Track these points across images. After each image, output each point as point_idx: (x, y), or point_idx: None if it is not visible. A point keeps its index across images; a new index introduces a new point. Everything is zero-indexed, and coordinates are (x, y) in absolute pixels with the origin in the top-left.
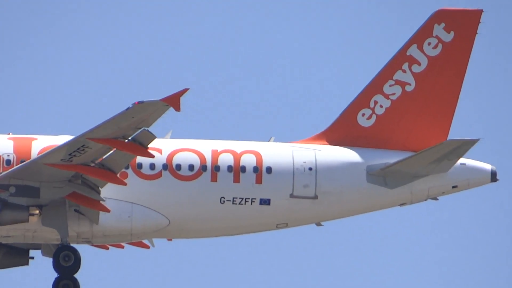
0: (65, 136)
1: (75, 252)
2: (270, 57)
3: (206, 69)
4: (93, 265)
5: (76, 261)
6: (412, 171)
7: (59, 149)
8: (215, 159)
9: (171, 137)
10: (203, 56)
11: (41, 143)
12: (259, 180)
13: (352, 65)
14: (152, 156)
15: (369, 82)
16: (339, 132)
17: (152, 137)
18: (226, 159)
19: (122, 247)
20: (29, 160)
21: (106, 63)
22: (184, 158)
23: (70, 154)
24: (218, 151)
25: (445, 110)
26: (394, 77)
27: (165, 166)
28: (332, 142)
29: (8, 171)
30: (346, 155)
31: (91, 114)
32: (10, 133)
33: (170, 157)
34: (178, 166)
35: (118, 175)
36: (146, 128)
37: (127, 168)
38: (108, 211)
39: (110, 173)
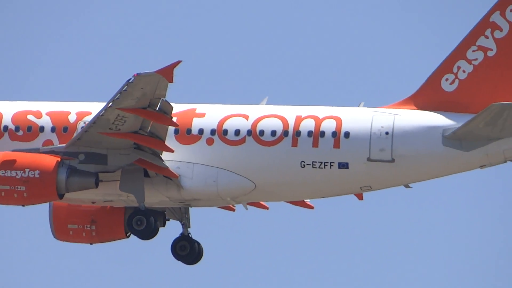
0: None
1: (148, 217)
2: (359, 25)
3: (300, 37)
4: (217, 226)
5: (148, 226)
6: (484, 134)
7: (98, 118)
8: (297, 124)
9: (267, 103)
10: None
11: None
12: (336, 145)
13: (441, 31)
14: (176, 125)
15: (453, 48)
16: (425, 97)
17: (170, 107)
18: (307, 125)
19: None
20: (81, 131)
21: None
22: (268, 124)
23: (113, 123)
24: (302, 116)
25: None
26: (477, 43)
27: (249, 132)
28: (419, 107)
29: (70, 140)
30: (424, 119)
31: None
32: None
33: (255, 123)
34: (261, 132)
35: (165, 142)
36: (163, 98)
37: (213, 134)
38: (175, 176)
39: (157, 141)
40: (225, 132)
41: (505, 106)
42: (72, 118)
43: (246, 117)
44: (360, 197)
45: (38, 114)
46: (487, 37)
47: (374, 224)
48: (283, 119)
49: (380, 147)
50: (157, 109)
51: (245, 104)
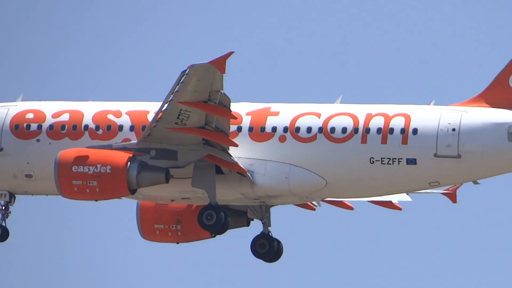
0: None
1: (218, 212)
2: (429, 23)
3: (374, 37)
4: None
5: (217, 221)
6: None
7: (164, 113)
8: (367, 122)
9: (341, 102)
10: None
11: None
12: (405, 141)
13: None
14: (235, 118)
15: None
16: (494, 95)
17: (228, 100)
18: (377, 122)
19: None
20: (148, 126)
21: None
22: (339, 122)
23: (178, 118)
24: (372, 114)
25: None
26: None
27: (321, 129)
28: (489, 104)
29: (140, 137)
30: (491, 116)
31: None
32: None
33: (327, 121)
34: (332, 129)
35: (229, 137)
36: (221, 91)
37: (285, 131)
38: (244, 171)
39: (222, 135)
40: (298, 129)
41: None
42: (150, 117)
43: (319, 115)
44: (454, 199)
45: (118, 114)
46: None
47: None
48: (353, 117)
49: (447, 143)
50: (217, 102)
51: (319, 103)
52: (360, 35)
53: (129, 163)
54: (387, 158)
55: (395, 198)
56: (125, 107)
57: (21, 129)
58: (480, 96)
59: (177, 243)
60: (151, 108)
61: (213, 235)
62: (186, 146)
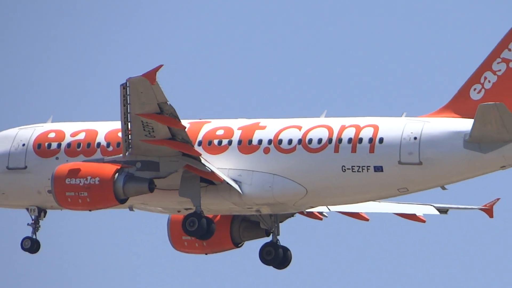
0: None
1: (200, 219)
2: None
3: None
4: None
5: (199, 227)
6: (496, 136)
7: (132, 127)
8: (340, 132)
9: (326, 116)
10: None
11: (212, 125)
12: (372, 150)
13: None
14: (184, 128)
15: (482, 61)
16: (457, 105)
17: (174, 110)
18: (348, 133)
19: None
20: (122, 139)
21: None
22: (316, 133)
23: (144, 130)
24: (346, 126)
25: None
26: (501, 55)
27: (300, 141)
28: (456, 114)
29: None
30: (450, 125)
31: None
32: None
33: (306, 133)
34: (310, 140)
35: (192, 147)
36: (168, 102)
37: (269, 143)
38: (220, 180)
39: (185, 145)
40: (280, 141)
41: (489, 105)
42: None
43: (300, 128)
44: (490, 214)
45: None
46: (510, 49)
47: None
48: (329, 128)
49: (409, 151)
50: (169, 114)
51: (305, 117)
52: (343, 47)
53: (116, 174)
54: (357, 166)
55: (420, 211)
56: None
57: (43, 148)
58: (446, 107)
59: (206, 254)
60: None
61: (238, 245)
62: (167, 158)
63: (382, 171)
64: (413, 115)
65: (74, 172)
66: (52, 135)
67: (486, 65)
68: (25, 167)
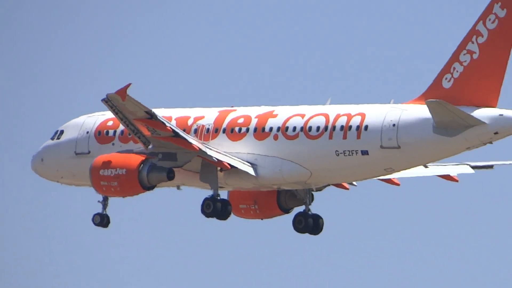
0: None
1: (215, 203)
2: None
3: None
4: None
5: (214, 210)
6: (462, 122)
7: (135, 128)
8: (335, 121)
9: (331, 103)
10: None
11: (238, 113)
12: (359, 136)
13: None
14: (170, 131)
15: (453, 52)
16: (432, 93)
17: (156, 115)
18: (341, 120)
19: (348, 188)
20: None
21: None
22: (315, 121)
23: (150, 130)
24: (340, 114)
25: (496, 74)
26: (467, 47)
27: (302, 128)
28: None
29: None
30: (422, 112)
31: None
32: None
33: (307, 121)
34: (310, 128)
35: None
36: (151, 109)
37: (278, 131)
38: (227, 167)
39: (182, 140)
40: (287, 129)
41: (432, 102)
42: (190, 121)
43: (303, 115)
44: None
45: (169, 119)
46: (473, 42)
47: None
48: (326, 116)
49: (389, 136)
50: (157, 119)
51: (311, 105)
52: (348, 35)
53: (142, 165)
54: (348, 151)
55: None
56: (175, 113)
57: (102, 135)
58: (423, 95)
59: (261, 219)
60: (192, 114)
61: (287, 211)
62: (182, 149)
63: (368, 154)
64: (399, 102)
65: (106, 164)
66: (110, 123)
67: (454, 56)
68: (89, 152)
